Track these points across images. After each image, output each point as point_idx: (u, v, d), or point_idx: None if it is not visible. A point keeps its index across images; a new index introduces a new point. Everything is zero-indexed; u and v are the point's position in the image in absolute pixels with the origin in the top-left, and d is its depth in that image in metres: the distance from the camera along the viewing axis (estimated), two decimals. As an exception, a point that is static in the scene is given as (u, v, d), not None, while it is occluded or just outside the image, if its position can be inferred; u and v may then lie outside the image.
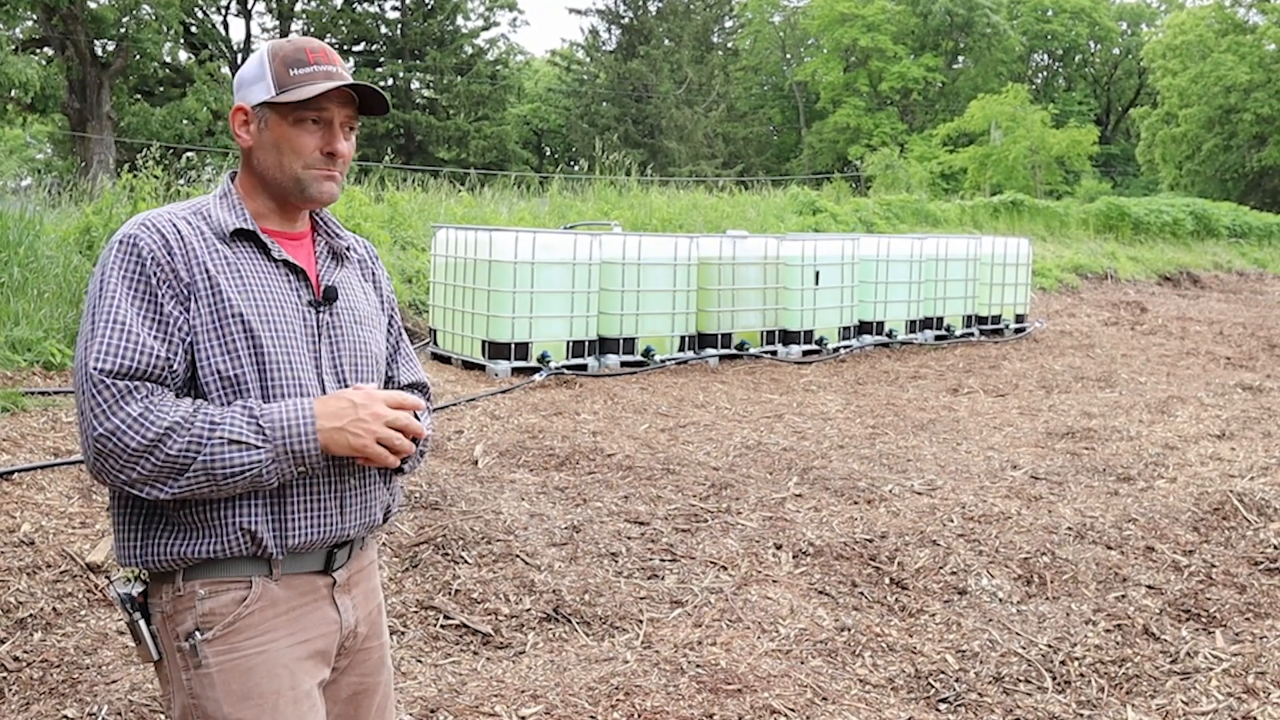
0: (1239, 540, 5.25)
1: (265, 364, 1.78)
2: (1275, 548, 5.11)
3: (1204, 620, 4.32)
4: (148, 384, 1.70)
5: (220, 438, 1.67)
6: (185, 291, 1.75)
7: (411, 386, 2.10)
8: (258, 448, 1.68)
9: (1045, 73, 53.83)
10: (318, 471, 1.82)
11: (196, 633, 1.78)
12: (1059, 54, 52.53)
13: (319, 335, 1.87)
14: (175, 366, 1.73)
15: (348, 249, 2.01)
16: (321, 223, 1.99)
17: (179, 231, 1.79)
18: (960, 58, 48.18)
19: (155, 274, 1.74)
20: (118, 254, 1.75)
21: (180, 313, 1.74)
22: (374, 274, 2.10)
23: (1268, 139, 36.66)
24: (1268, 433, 7.68)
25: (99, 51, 28.23)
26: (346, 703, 1.99)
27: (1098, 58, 52.53)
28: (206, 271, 1.77)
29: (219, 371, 1.75)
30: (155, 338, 1.72)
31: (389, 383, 2.08)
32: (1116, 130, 51.56)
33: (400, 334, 2.14)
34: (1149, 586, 4.64)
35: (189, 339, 1.75)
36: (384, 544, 4.68)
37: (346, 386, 1.88)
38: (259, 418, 1.71)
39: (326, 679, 1.92)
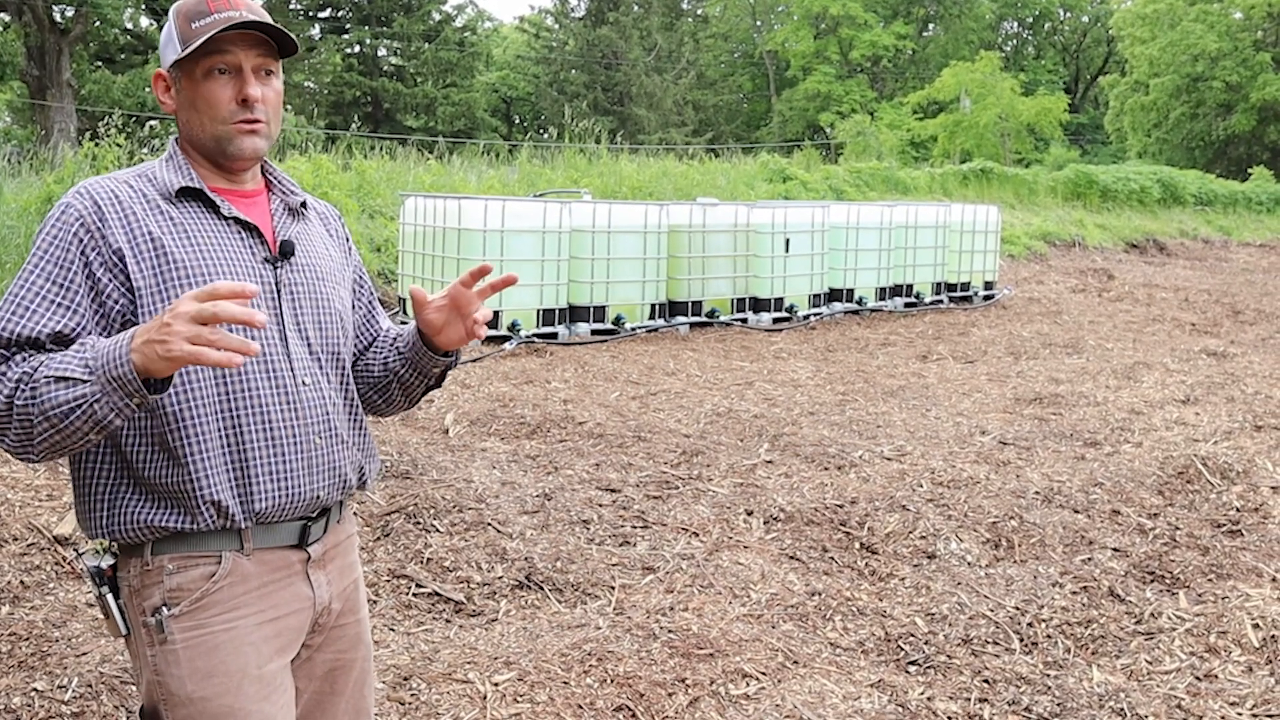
0: (1202, 503, 5.33)
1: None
2: (1238, 510, 5.20)
3: (1168, 582, 4.38)
4: (29, 351, 1.64)
5: (47, 377, 1.58)
6: (115, 259, 1.70)
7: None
8: (84, 381, 1.56)
9: (1015, 40, 53.81)
10: (280, 432, 1.77)
11: (164, 608, 1.74)
12: (1029, 22, 52.53)
13: (278, 292, 1.82)
14: (78, 335, 1.67)
15: (303, 204, 1.95)
16: (275, 180, 1.93)
17: (117, 197, 1.74)
18: (931, 25, 48.11)
19: (86, 240, 1.70)
20: (50, 221, 1.72)
21: (110, 280, 1.70)
22: (337, 232, 2.05)
23: (1234, 107, 36.85)
24: (1231, 397, 7.78)
25: (58, 17, 27.62)
26: (323, 679, 1.94)
27: (1067, 25, 52.57)
28: (149, 234, 1.72)
29: None
30: (57, 306, 1.67)
31: (374, 341, 2.06)
32: (1085, 99, 51.69)
33: (372, 294, 2.11)
34: (1114, 549, 4.70)
35: (120, 305, 1.70)
36: (355, 513, 4.66)
37: (310, 344, 1.84)
38: (87, 350, 1.59)
39: (297, 656, 1.88)
